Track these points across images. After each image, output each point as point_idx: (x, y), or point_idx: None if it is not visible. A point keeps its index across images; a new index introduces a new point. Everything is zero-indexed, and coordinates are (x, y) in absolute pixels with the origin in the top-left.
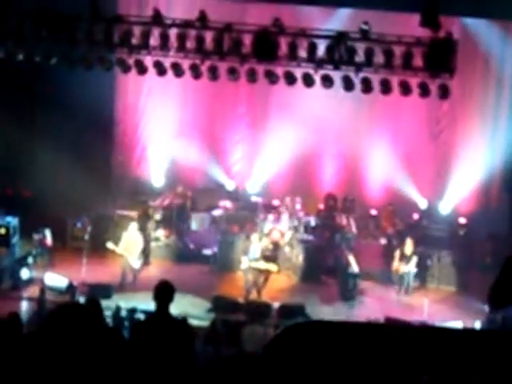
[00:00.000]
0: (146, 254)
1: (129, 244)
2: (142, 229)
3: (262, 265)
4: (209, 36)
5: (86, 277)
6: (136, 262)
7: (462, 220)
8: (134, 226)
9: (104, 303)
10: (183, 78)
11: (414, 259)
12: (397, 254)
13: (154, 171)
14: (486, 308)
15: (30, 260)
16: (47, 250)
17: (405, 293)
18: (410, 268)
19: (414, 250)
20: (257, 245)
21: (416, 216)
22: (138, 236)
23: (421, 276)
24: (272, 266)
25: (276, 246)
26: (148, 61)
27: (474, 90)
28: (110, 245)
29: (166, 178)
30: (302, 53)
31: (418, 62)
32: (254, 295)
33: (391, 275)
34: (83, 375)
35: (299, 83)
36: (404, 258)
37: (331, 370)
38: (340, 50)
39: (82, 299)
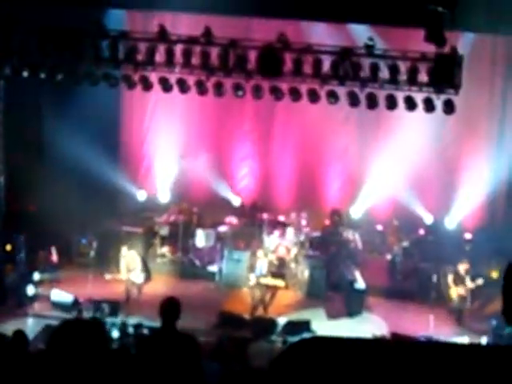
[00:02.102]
0: (147, 269)
1: (128, 264)
2: (147, 245)
3: (270, 281)
4: (214, 52)
5: (92, 293)
6: (139, 278)
7: (468, 235)
8: (125, 249)
9: (110, 319)
10: (189, 94)
11: (468, 279)
12: (449, 279)
13: (160, 187)
14: (493, 323)
15: (36, 276)
16: (53, 266)
17: (459, 322)
18: (469, 288)
19: (468, 270)
20: (263, 261)
21: (422, 231)
22: (133, 253)
23: (425, 292)
24: (280, 282)
25: (282, 261)
26: (153, 77)
27: (479, 105)
28: (108, 276)
29: (172, 194)
30: (307, 69)
31: (423, 77)
32: (260, 311)
33: (446, 303)
34: None
35: (304, 99)
36: (459, 281)
37: None
38: (345, 66)
39: (87, 315)
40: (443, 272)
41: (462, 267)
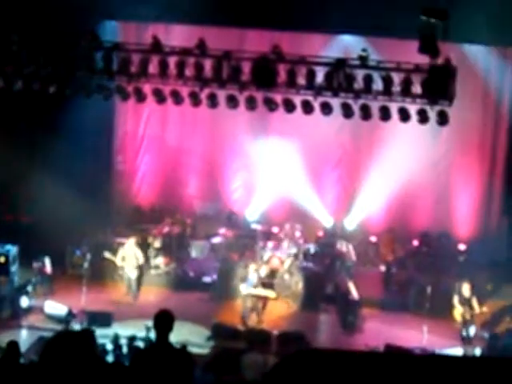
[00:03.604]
0: (141, 270)
1: (124, 253)
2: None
3: (260, 291)
4: (208, 63)
5: (86, 304)
6: (133, 273)
7: (462, 246)
8: (131, 241)
9: (103, 331)
10: (182, 105)
11: (474, 300)
12: (455, 300)
13: (154, 199)
14: (486, 335)
15: (30, 288)
16: (47, 277)
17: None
18: (475, 311)
19: (472, 292)
20: (255, 272)
21: (416, 243)
22: (136, 250)
23: (419, 303)
24: (270, 293)
25: (274, 272)
26: (147, 88)
27: (472, 116)
28: (107, 254)
29: (166, 206)
30: (301, 80)
31: (416, 88)
32: (253, 320)
33: (455, 324)
34: None
35: (298, 110)
36: (465, 302)
37: None
38: (339, 77)
39: (80, 326)
40: (451, 289)
41: (466, 287)
